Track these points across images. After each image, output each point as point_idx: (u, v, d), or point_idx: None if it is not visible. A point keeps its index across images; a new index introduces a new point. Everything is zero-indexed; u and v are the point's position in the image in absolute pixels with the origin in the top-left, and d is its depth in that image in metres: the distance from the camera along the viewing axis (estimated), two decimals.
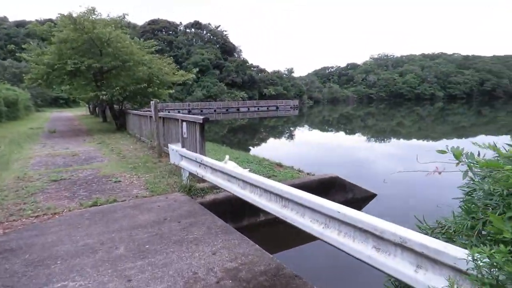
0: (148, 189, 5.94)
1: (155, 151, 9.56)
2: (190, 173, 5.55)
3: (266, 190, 3.34)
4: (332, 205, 2.51)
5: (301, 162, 12.89)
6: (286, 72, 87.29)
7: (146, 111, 12.94)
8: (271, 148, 18.67)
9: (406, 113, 48.55)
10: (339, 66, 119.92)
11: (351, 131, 28.07)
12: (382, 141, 21.01)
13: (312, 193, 6.78)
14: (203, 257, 3.28)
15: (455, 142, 19.81)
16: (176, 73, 17.69)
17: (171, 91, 18.33)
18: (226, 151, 11.16)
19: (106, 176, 7.05)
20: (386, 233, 2.06)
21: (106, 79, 15.84)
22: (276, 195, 3.18)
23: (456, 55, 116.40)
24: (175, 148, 5.89)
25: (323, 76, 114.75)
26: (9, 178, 6.97)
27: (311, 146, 19.00)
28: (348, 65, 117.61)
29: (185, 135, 7.12)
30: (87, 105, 39.94)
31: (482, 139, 21.04)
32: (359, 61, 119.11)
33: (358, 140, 21.73)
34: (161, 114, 9.10)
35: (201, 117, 6.07)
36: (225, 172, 4.15)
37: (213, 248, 3.47)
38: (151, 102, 8.73)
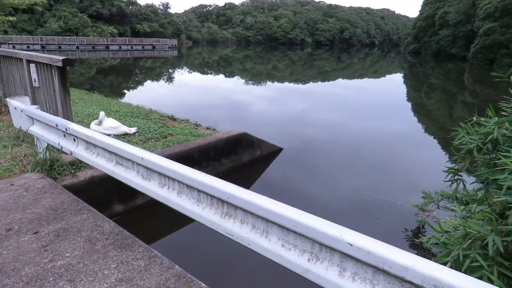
0: None
1: None
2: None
3: (190, 187, 2.07)
4: (329, 229, 1.46)
5: (188, 110, 11.69)
6: (161, 7, 79.04)
7: None
8: (153, 94, 16.48)
9: (280, 57, 50.73)
10: (217, 5, 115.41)
11: (231, 74, 27.78)
12: (259, 84, 21.74)
13: (220, 153, 5.70)
14: None
15: (319, 85, 22.29)
16: None
17: (11, 19, 13.72)
18: (100, 101, 8.89)
19: None
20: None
21: None
22: (211, 196, 1.95)
23: (322, 3, 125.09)
24: (18, 105, 3.83)
25: (201, 14, 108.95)
26: None
27: (194, 91, 17.77)
28: (226, 4, 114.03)
29: (35, 84, 4.89)
30: None
31: (341, 82, 24.15)
32: (237, 1, 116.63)
33: (238, 83, 22.03)
34: None
35: (61, 57, 4.04)
36: (111, 151, 2.62)
37: (103, 286, 2.09)
38: None
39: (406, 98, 18.01)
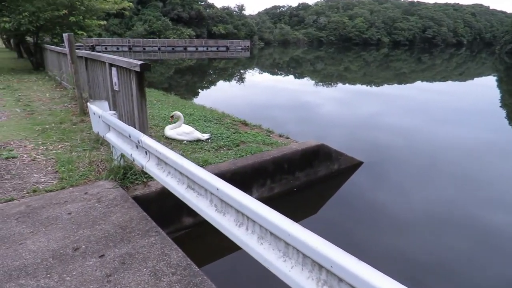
0: (58, 174, 3.87)
1: (82, 100, 7.13)
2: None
3: (275, 236, 1.60)
4: None
5: (258, 112, 11.48)
6: (236, 9, 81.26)
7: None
8: (224, 95, 16.72)
9: (353, 58, 48.63)
10: (291, 6, 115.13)
11: (301, 75, 27.33)
12: (329, 86, 20.93)
13: (295, 166, 5.20)
14: None
15: (395, 88, 20.47)
16: None
17: (102, 23, 14.87)
18: (176, 102, 9.02)
19: None
20: None
21: (11, 2, 12.05)
22: (304, 254, 1.46)
23: (402, 0, 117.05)
24: (97, 110, 3.78)
25: (274, 16, 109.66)
26: None
27: (264, 92, 17.66)
28: (299, 5, 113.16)
29: (116, 87, 4.91)
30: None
31: (419, 85, 22.13)
32: (311, 1, 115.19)
33: (308, 85, 21.48)
34: (82, 53, 6.58)
35: (138, 61, 3.92)
36: (182, 172, 2.29)
37: None
38: (64, 35, 6.14)
39: (500, 104, 15.62)
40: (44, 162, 4.18)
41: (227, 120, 7.13)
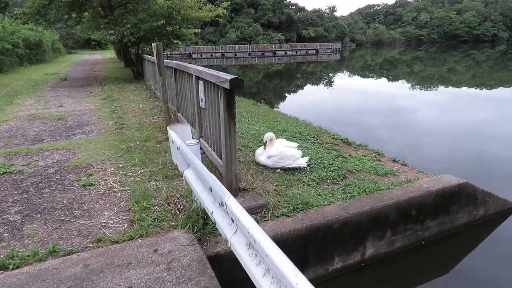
0: (131, 213, 3.20)
1: (168, 115, 6.73)
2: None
3: None
4: None
5: (355, 123, 10.11)
6: (327, 11, 78.98)
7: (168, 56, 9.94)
8: (313, 99, 15.66)
9: (460, 57, 42.86)
10: (386, 4, 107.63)
11: (394, 78, 25.38)
12: (428, 89, 18.74)
13: (426, 212, 3.08)
14: None
15: None
16: (202, 7, 14.22)
17: (196, 31, 14.99)
18: (267, 114, 8.14)
19: (78, 168, 4.36)
20: None
21: (118, 16, 12.76)
22: None
23: None
24: (175, 139, 2.98)
25: (368, 15, 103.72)
26: None
27: (357, 98, 16.25)
28: (396, 2, 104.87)
29: (202, 104, 4.15)
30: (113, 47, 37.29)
31: None
32: None
33: (403, 87, 19.72)
34: (172, 63, 6.11)
35: (229, 76, 3.04)
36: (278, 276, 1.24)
37: None
38: (153, 45, 5.73)
39: None
40: (119, 194, 3.58)
41: (326, 138, 5.95)
